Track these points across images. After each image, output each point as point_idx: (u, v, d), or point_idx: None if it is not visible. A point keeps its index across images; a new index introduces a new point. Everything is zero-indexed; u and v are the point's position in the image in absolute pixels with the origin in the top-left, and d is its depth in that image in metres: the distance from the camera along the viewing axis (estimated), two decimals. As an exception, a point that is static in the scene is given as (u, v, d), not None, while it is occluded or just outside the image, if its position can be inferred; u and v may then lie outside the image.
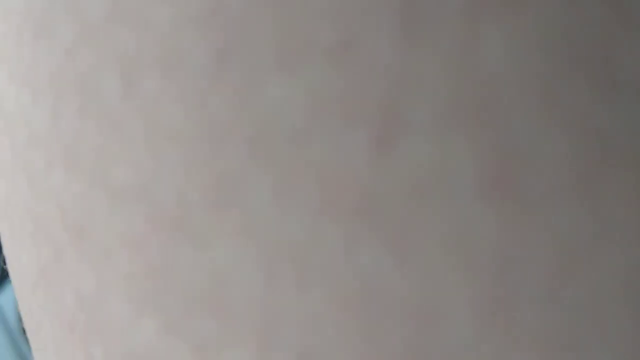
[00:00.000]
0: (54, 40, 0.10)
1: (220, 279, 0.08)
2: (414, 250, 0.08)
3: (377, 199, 0.08)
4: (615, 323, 0.07)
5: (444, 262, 0.08)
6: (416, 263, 0.08)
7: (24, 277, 0.11)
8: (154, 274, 0.09)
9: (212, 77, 0.08)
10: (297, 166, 0.08)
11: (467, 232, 0.07)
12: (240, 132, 0.08)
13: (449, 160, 0.08)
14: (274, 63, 0.08)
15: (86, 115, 0.09)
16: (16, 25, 0.10)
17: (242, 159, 0.08)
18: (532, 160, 0.07)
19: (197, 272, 0.09)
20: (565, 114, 0.07)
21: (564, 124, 0.07)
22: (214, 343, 0.09)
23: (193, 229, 0.09)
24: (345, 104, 0.08)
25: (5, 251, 0.12)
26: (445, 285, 0.08)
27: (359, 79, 0.08)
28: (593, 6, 0.07)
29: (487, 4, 0.08)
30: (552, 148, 0.07)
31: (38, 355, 0.11)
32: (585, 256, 0.07)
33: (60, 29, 0.10)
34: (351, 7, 0.08)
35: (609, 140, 0.07)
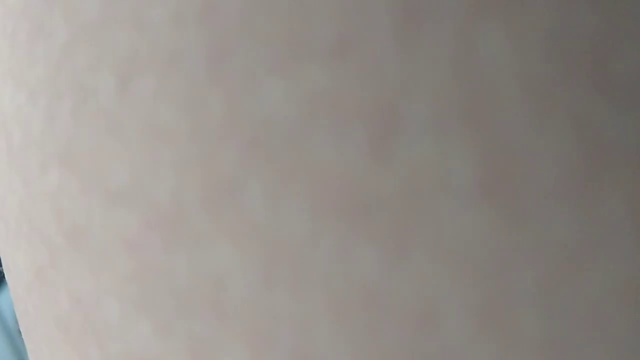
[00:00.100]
0: (49, 40, 0.10)
1: (216, 280, 0.08)
2: (410, 251, 0.08)
3: (374, 200, 0.08)
4: (612, 325, 0.07)
5: (441, 264, 0.07)
6: (413, 264, 0.08)
7: (19, 278, 0.11)
8: (150, 275, 0.09)
9: (209, 78, 0.08)
10: (294, 167, 0.08)
11: (464, 233, 0.07)
12: (236, 133, 0.08)
13: (447, 162, 0.08)
14: (271, 63, 0.08)
15: (81, 116, 0.09)
16: (11, 25, 0.10)
17: (238, 159, 0.08)
18: (530, 162, 0.07)
19: (193, 273, 0.09)
20: (563, 116, 0.07)
21: (562, 126, 0.07)
22: (210, 345, 0.08)
23: (189, 230, 0.09)
24: (343, 104, 0.08)
25: (0, 252, 0.12)
26: (442, 287, 0.07)
27: (357, 80, 0.08)
28: (592, 7, 0.07)
29: (486, 4, 0.08)
30: (550, 150, 0.07)
31: (33, 356, 0.11)
32: (583, 258, 0.07)
33: (56, 29, 0.10)
34: (349, 7, 0.08)
35: (607, 142, 0.07)
